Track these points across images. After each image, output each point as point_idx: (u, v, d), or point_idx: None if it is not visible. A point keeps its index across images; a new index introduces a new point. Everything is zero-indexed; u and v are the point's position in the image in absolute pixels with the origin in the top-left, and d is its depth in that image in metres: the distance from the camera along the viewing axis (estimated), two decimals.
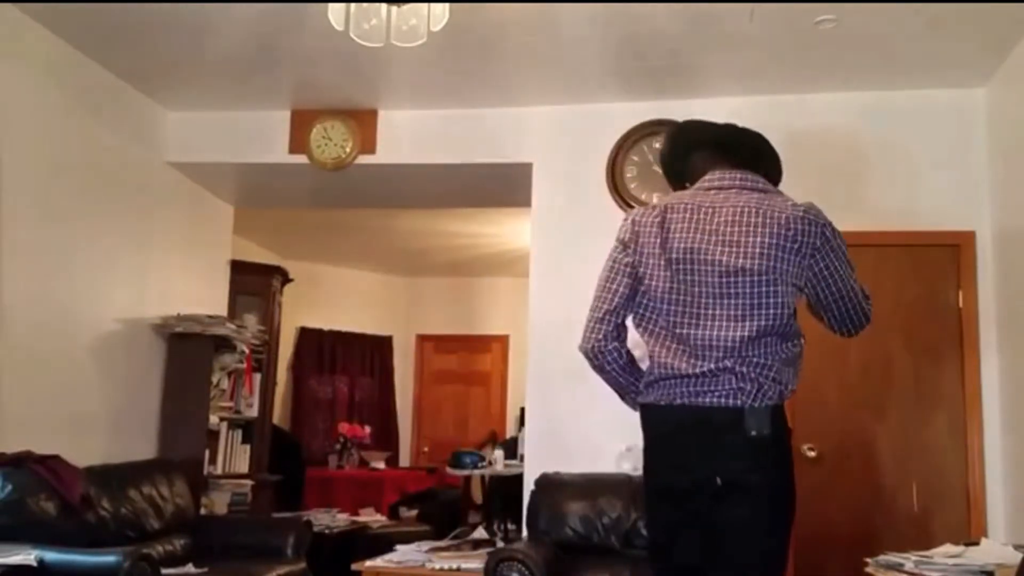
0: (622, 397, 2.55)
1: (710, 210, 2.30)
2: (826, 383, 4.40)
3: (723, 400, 2.20)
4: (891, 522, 4.27)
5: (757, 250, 2.22)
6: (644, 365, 2.45)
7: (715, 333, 2.23)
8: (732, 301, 2.23)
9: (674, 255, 2.29)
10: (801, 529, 4.29)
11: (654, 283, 2.32)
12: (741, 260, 2.22)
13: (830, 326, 2.46)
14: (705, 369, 2.22)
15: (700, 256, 2.26)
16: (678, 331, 2.28)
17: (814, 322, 2.50)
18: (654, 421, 2.37)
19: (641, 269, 2.34)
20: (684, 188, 2.50)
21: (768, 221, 2.25)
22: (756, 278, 2.22)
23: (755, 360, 2.20)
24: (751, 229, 2.24)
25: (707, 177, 2.40)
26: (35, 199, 4.10)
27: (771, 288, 2.22)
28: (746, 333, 2.20)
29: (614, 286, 2.40)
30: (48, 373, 4.16)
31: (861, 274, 4.03)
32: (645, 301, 2.36)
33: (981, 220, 4.38)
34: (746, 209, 2.27)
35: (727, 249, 2.24)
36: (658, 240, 2.31)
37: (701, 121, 2.61)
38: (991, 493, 4.19)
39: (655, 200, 2.45)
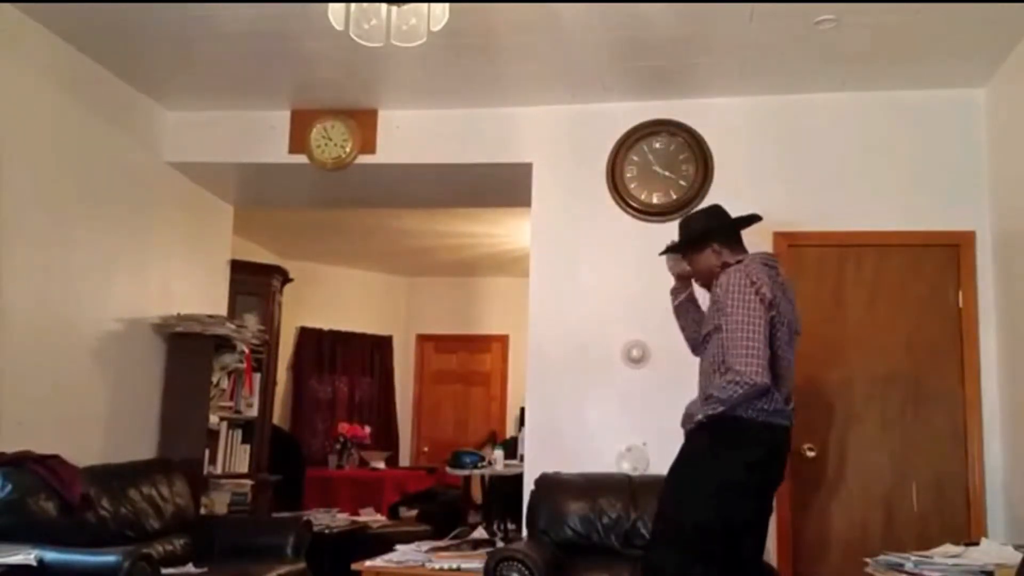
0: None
1: (782, 285, 3.11)
2: (826, 383, 4.40)
3: (790, 423, 3.12)
4: (891, 522, 4.27)
5: (797, 317, 3.15)
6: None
7: (793, 378, 3.12)
8: (792, 356, 3.11)
9: (784, 317, 3.06)
10: (801, 529, 4.33)
11: (779, 336, 3.04)
12: (797, 325, 3.15)
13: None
14: (793, 403, 3.12)
15: (789, 319, 3.10)
16: (784, 375, 3.06)
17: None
18: (773, 436, 3.04)
19: (775, 325, 3.02)
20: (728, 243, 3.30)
21: (793, 295, 3.19)
22: (797, 338, 3.15)
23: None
24: (794, 300, 3.17)
25: (759, 255, 3.19)
26: (35, 199, 4.10)
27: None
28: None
29: (764, 335, 2.97)
30: (48, 373, 4.16)
31: (862, 274, 4.31)
32: (774, 349, 3.02)
33: (981, 220, 4.38)
34: (788, 284, 3.17)
35: (793, 317, 3.12)
36: (780, 304, 3.06)
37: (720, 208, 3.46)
38: (991, 493, 4.19)
39: (746, 259, 3.25)
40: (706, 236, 3.29)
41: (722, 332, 3.01)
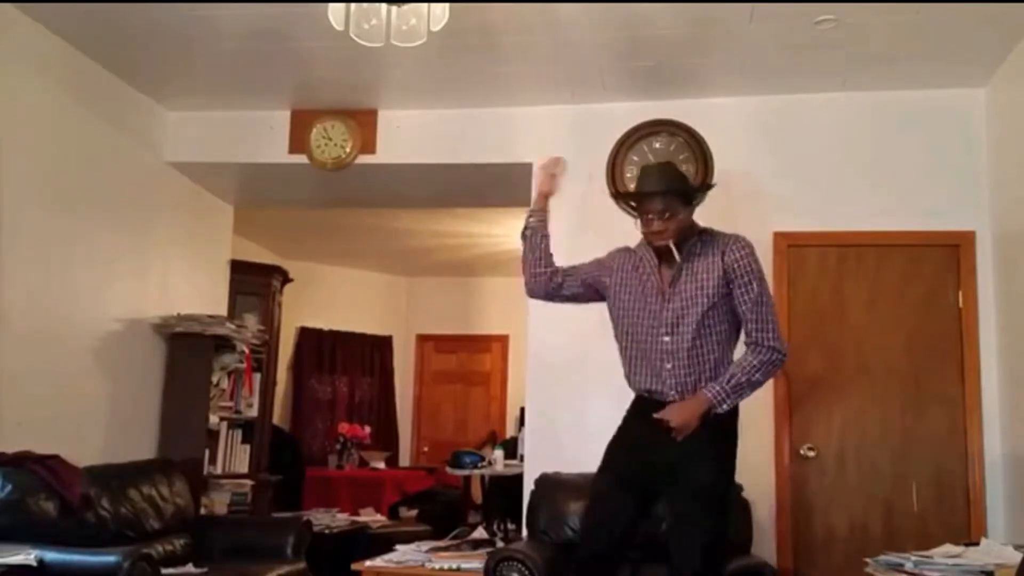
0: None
1: None
2: (825, 383, 4.40)
3: None
4: (891, 522, 4.27)
5: None
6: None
7: None
8: None
9: None
10: (801, 529, 4.32)
11: None
12: None
13: None
14: None
15: None
16: None
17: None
18: None
19: None
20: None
21: None
22: None
23: None
24: None
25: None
26: (35, 199, 4.10)
27: None
28: None
29: None
30: (48, 373, 4.16)
31: (862, 274, 4.27)
32: None
33: (981, 220, 4.38)
34: None
35: None
36: None
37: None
38: (991, 493, 4.19)
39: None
40: (696, 193, 3.17)
41: (712, 308, 2.88)
